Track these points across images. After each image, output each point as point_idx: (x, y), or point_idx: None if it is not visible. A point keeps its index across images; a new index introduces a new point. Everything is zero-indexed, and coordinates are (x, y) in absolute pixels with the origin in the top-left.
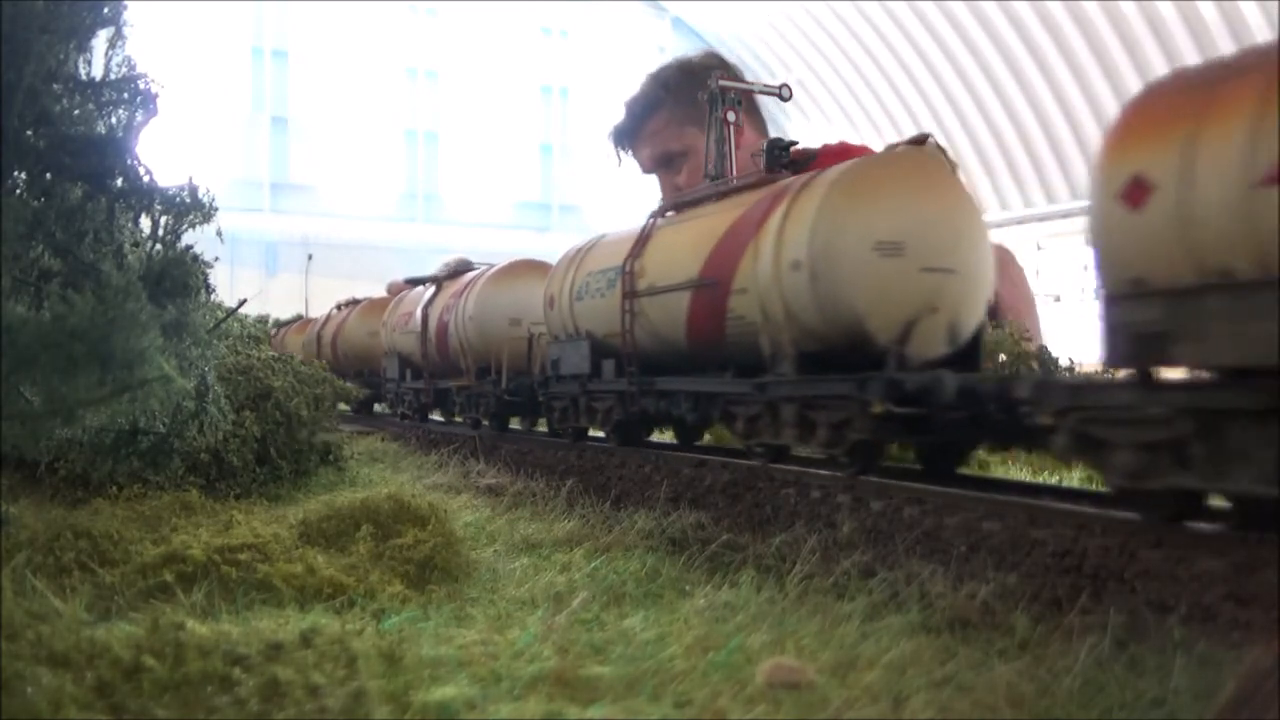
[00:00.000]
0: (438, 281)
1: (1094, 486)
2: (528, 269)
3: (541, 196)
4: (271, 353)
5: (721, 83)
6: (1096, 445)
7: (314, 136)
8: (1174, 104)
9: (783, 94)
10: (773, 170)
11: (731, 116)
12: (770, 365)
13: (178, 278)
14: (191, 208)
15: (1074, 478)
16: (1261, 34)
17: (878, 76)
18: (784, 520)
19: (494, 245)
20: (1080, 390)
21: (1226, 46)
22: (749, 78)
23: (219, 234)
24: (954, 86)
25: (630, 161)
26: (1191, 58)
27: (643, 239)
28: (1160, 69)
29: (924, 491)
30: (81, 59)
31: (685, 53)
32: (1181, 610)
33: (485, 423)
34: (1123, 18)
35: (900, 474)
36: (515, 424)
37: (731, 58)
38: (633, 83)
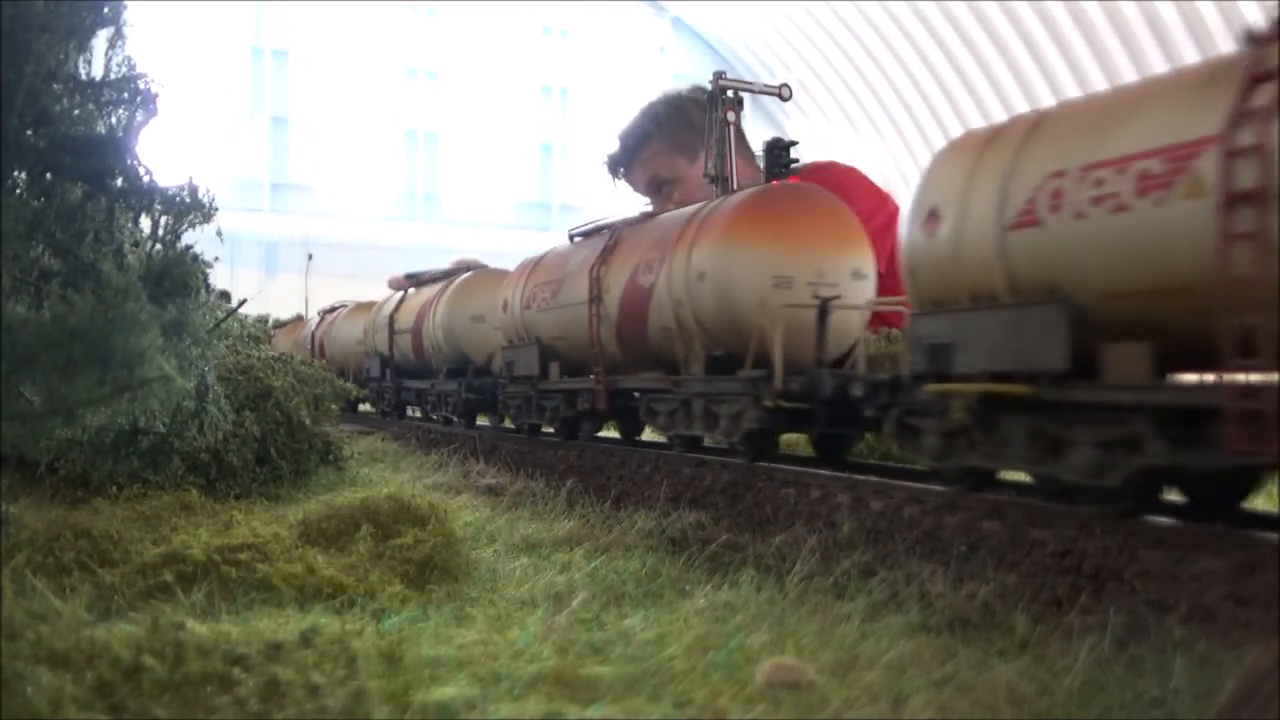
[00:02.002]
0: (322, 314)
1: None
2: (369, 307)
3: (541, 196)
4: (271, 352)
5: (722, 81)
6: (425, 407)
7: (314, 136)
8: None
9: (783, 94)
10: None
11: (731, 117)
12: (436, 374)
13: (178, 278)
14: (191, 208)
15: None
16: None
17: (878, 76)
18: (784, 520)
19: (494, 245)
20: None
21: (1227, 46)
22: (749, 78)
23: (219, 234)
24: (954, 86)
25: (624, 185)
26: (1191, 57)
27: (400, 301)
28: (1160, 69)
29: (924, 491)
30: (81, 59)
31: (674, 86)
32: (1181, 610)
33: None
34: (1123, 18)
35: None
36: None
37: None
38: (631, 91)
